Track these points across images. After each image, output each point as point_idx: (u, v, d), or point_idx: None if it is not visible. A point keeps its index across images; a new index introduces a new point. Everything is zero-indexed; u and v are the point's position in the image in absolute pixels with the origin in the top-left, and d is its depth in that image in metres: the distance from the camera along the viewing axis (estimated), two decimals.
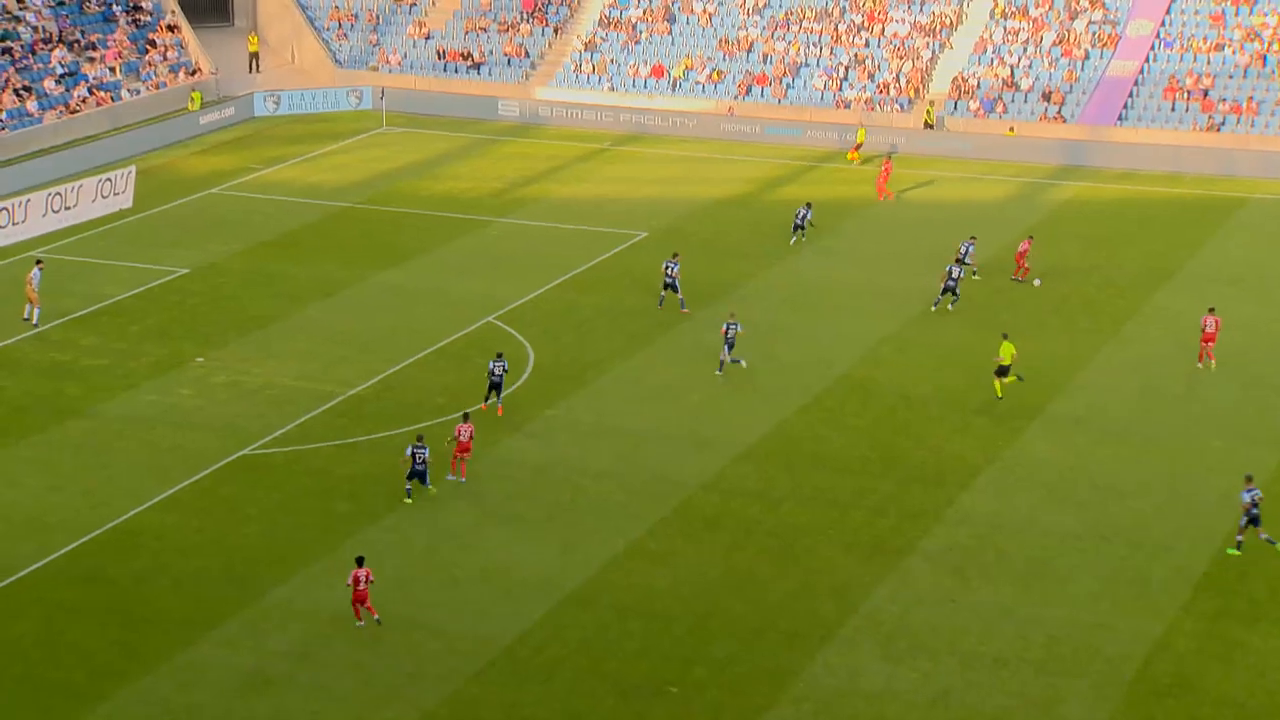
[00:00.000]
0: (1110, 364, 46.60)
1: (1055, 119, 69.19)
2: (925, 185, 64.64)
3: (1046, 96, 69.78)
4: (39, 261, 49.96)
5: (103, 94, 70.31)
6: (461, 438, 39.14)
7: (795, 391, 44.42)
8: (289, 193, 63.11)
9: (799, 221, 56.56)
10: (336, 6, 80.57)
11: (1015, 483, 39.43)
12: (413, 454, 38.06)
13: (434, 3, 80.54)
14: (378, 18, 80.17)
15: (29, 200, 57.08)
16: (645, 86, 74.31)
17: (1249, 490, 35.88)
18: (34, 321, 48.52)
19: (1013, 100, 70.22)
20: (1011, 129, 69.01)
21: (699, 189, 64.00)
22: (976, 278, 52.56)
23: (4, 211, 55.97)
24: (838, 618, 33.59)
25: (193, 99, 72.72)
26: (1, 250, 55.14)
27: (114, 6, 76.08)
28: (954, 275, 49.63)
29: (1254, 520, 35.76)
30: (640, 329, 48.82)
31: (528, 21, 78.58)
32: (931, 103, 69.13)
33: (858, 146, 67.69)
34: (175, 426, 42.30)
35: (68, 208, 57.99)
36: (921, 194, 63.67)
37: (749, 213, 60.73)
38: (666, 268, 49.76)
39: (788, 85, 72.75)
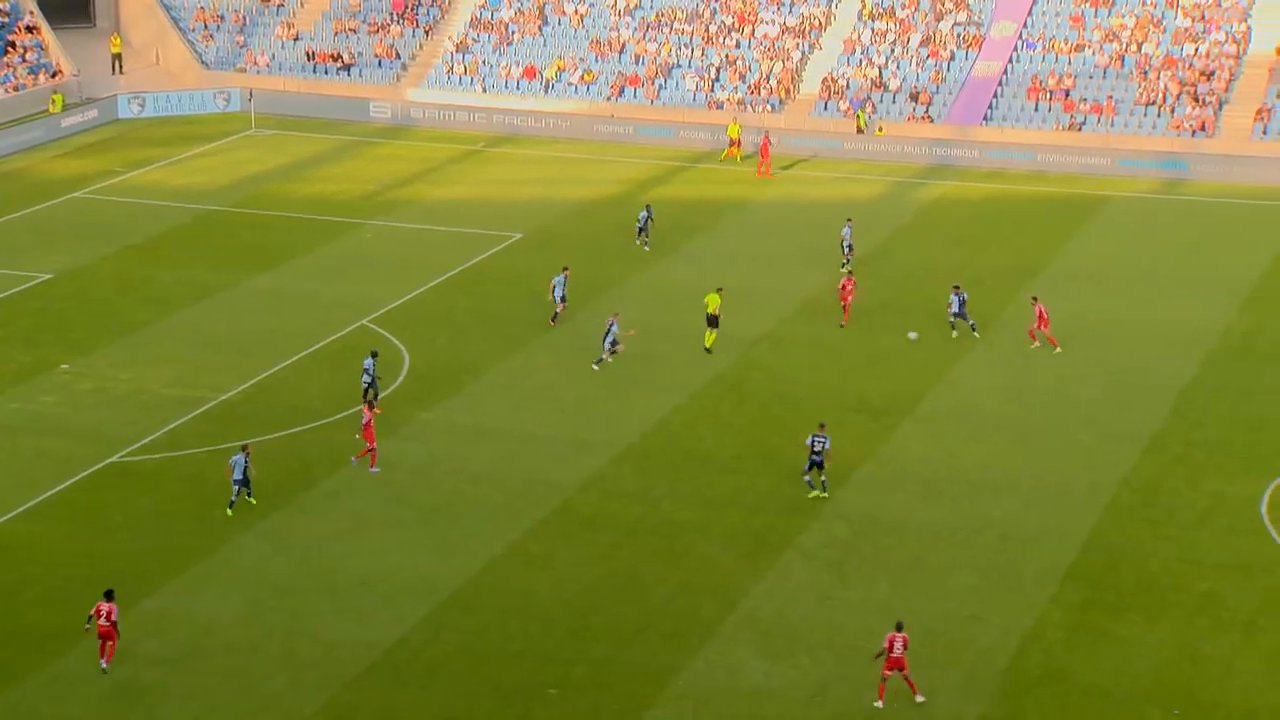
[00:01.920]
0: (978, 361, 47.36)
1: (923, 119, 70.16)
2: (794, 184, 65.22)
3: (914, 97, 70.75)
4: None
5: None
6: (364, 420, 39.50)
7: (673, 390, 44.62)
8: (156, 196, 62.18)
9: (641, 224, 56.32)
10: (202, 7, 79.49)
11: (890, 479, 39.94)
12: (235, 462, 37.28)
13: (302, 4, 79.76)
14: (244, 19, 79.22)
15: None
16: (518, 88, 74.20)
17: (817, 436, 38.19)
18: None
19: (881, 100, 71.09)
20: (881, 129, 69.86)
21: (573, 190, 64.06)
22: (845, 268, 53.24)
23: None
24: (717, 616, 33.80)
25: (54, 101, 71.38)
26: None
27: None
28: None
29: (817, 465, 38.10)
30: (516, 331, 48.75)
31: (398, 22, 78.10)
32: (862, 109, 69.36)
33: (735, 143, 67.89)
34: (40, 434, 41.53)
35: None
36: (793, 192, 64.24)
37: (623, 213, 60.87)
38: (555, 284, 48.80)
39: (660, 86, 73.04)
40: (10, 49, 73.23)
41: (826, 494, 38.56)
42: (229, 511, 37.19)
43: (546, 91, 73.86)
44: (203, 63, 77.33)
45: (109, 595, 31.38)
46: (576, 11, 76.98)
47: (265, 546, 36.28)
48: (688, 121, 71.25)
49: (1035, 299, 48.39)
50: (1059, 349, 47.54)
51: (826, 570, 35.71)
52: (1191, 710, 30.95)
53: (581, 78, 73.86)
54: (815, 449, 38.51)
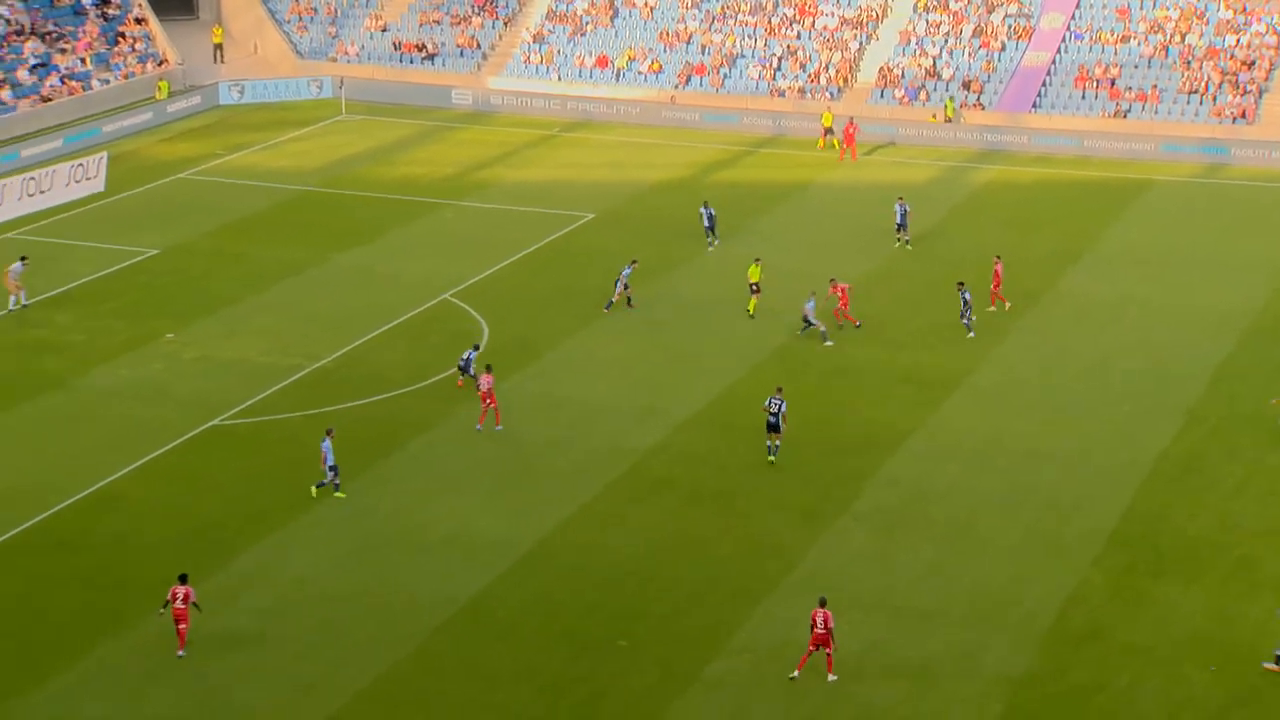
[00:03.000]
0: (1024, 338, 47.01)
1: (975, 106, 69.57)
2: (851, 168, 64.90)
3: (966, 85, 70.14)
4: (24, 257, 49.24)
5: (74, 83, 69.50)
6: (482, 388, 39.46)
7: (735, 363, 44.59)
8: (253, 177, 62.66)
9: (708, 224, 54.12)
10: (296, 1, 79.93)
11: (939, 449, 39.77)
12: (326, 450, 36.43)
13: None
14: (336, 11, 79.60)
15: (4, 185, 56.43)
16: (590, 76, 74.17)
17: (774, 399, 38.22)
18: (10, 308, 47.83)
19: (935, 89, 70.55)
20: (935, 115, 69.34)
21: (642, 173, 63.99)
22: (905, 245, 52.97)
23: None
24: (776, 575, 33.85)
25: (160, 88, 72.01)
26: None
27: (83, 0, 75.17)
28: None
29: (773, 427, 37.93)
30: (588, 306, 48.82)
31: (479, 14, 78.23)
32: (951, 98, 68.77)
33: (828, 131, 66.76)
34: (148, 399, 42.06)
35: (42, 191, 57.38)
36: (850, 176, 63.91)
37: (689, 195, 60.77)
38: (622, 274, 48.09)
39: (724, 75, 72.80)
40: (120, 39, 73.92)
41: (774, 459, 38.18)
42: (314, 491, 36.73)
43: (617, 80, 73.79)
44: (297, 52, 77.77)
45: (183, 579, 30.73)
46: (646, 4, 76.83)
47: (354, 506, 36.61)
48: (750, 109, 70.98)
49: (998, 258, 48.12)
50: (1008, 305, 47.64)
51: (878, 534, 35.66)
52: (1227, 667, 30.74)
53: (650, 67, 73.75)
54: (772, 410, 38.24)
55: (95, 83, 70.34)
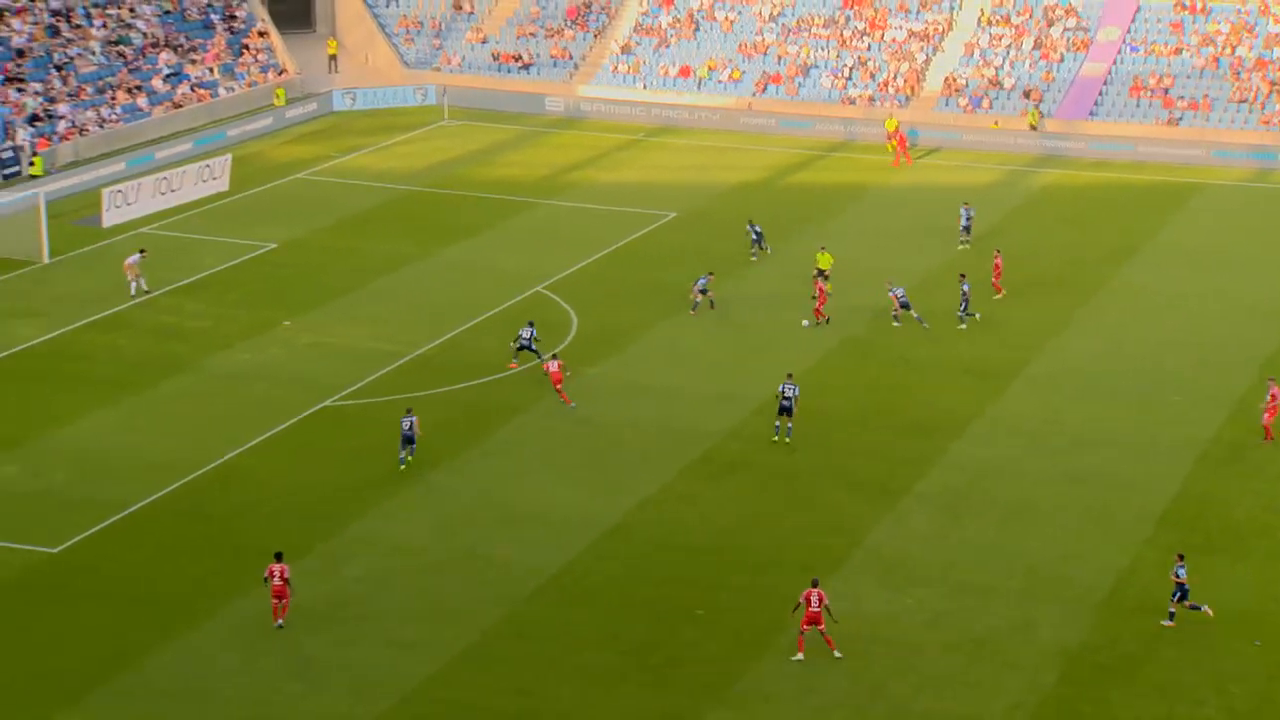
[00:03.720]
0: (1081, 330, 46.18)
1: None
2: (918, 172, 64.10)
3: (1027, 94, 69.03)
4: (142, 250, 49.72)
5: (203, 91, 70.18)
6: (551, 369, 39.96)
7: (806, 353, 44.13)
8: (363, 178, 62.95)
9: (756, 239, 51.39)
10: (404, 15, 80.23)
11: (999, 434, 39.14)
12: (406, 424, 36.68)
13: (490, 11, 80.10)
14: (440, 24, 79.84)
15: (140, 184, 57.13)
16: (674, 85, 73.82)
17: (787, 384, 37.97)
18: (132, 295, 48.30)
19: (997, 97, 69.52)
20: (996, 123, 68.31)
21: (722, 175, 63.57)
22: (965, 246, 52.29)
23: (119, 194, 56.05)
24: (842, 551, 33.44)
25: (278, 95, 72.56)
26: (117, 227, 55.16)
27: (212, 15, 75.91)
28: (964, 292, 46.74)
29: (786, 411, 37.78)
30: (670, 299, 48.52)
31: (571, 28, 78.13)
32: (1036, 107, 67.71)
33: (893, 135, 65.18)
34: (266, 381, 42.33)
35: (172, 190, 58.03)
36: (917, 179, 63.12)
37: (767, 195, 60.34)
38: (698, 283, 46.69)
39: (799, 84, 72.18)
40: (245, 51, 74.58)
41: (790, 440, 37.79)
42: (401, 467, 36.78)
43: (699, 88, 73.40)
44: (404, 62, 78.07)
45: (279, 556, 30.39)
46: (727, 18, 76.39)
47: (450, 482, 36.61)
48: (823, 115, 70.32)
49: (998, 251, 47.54)
50: (1001, 294, 47.05)
51: (941, 513, 35.12)
52: (1271, 641, 29.96)
53: (730, 76, 73.29)
54: (785, 395, 37.87)
55: (222, 90, 70.99)
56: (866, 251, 52.76)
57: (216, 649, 29.81)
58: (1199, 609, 30.38)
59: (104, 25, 70.85)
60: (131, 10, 72.83)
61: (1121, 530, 34.26)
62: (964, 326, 45.46)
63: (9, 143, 60.67)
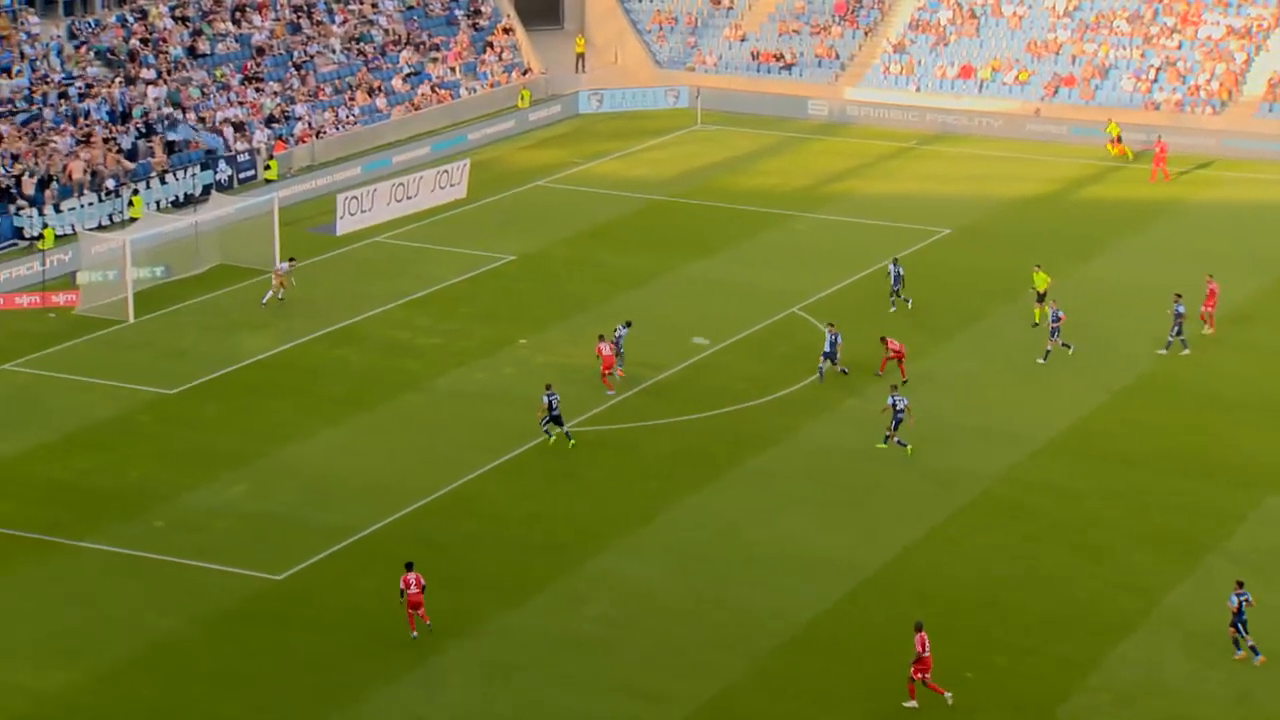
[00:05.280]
0: None
1: None
2: (1236, 186, 61.55)
3: None
4: (292, 258, 51.22)
5: (443, 92, 72.27)
6: (604, 351, 42.04)
7: (1096, 388, 42.80)
8: (608, 185, 63.79)
9: (895, 283, 48.94)
10: (658, 10, 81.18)
11: None
12: (548, 401, 39.19)
13: (750, 6, 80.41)
14: (696, 20, 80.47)
15: (375, 190, 59.03)
16: (952, 87, 72.76)
17: (896, 397, 38.87)
18: (263, 303, 49.59)
19: None
20: None
21: (1004, 187, 62.31)
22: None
23: (354, 199, 57.99)
24: (1137, 614, 32.24)
25: (522, 96, 74.20)
26: (352, 235, 57.03)
27: (456, 10, 78.17)
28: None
29: (899, 422, 38.55)
30: (940, 323, 47.72)
31: (839, 24, 77.78)
32: None
33: (1117, 139, 64.79)
34: (500, 402, 43.12)
35: (409, 197, 59.79)
36: (1232, 194, 60.64)
37: (1054, 210, 58.84)
38: (831, 340, 43.85)
39: (1096, 86, 70.27)
40: (489, 49, 76.56)
41: (910, 449, 38.82)
42: (549, 440, 39.24)
43: (980, 91, 72.17)
44: (656, 62, 78.93)
45: (409, 566, 31.60)
46: (1015, 13, 74.91)
47: (694, 518, 36.63)
48: (1123, 122, 68.22)
49: (1210, 277, 46.22)
50: (1211, 330, 45.58)
51: (1253, 575, 33.48)
52: None
53: (1016, 78, 71.84)
54: (897, 408, 38.87)
55: (463, 91, 72.98)
56: (1170, 274, 50.80)
57: (433, 692, 30.28)
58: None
59: (345, 21, 73.64)
60: (374, 5, 75.54)
61: None
62: (1167, 351, 44.75)
63: (245, 145, 63.46)
